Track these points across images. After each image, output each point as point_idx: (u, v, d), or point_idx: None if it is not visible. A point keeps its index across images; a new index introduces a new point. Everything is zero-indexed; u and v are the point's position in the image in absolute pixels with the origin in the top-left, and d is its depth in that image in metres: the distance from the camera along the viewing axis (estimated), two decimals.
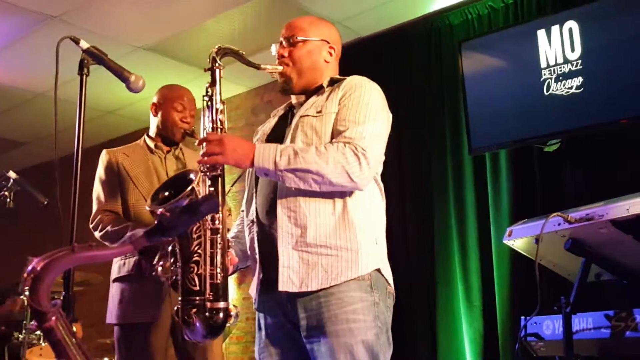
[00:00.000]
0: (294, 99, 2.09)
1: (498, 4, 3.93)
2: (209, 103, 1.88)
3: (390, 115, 2.01)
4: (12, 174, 3.27)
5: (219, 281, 1.75)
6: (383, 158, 1.97)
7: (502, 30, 3.78)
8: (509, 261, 3.56)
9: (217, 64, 1.90)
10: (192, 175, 1.70)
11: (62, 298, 1.78)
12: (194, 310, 1.72)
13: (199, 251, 1.74)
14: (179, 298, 1.75)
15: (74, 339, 1.02)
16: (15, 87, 5.36)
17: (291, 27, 2.05)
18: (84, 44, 1.95)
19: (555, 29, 3.39)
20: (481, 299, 3.74)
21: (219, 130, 1.87)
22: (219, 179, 1.80)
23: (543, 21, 3.48)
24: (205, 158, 1.78)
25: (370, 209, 1.90)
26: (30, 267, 1.01)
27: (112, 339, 4.51)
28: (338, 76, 2.06)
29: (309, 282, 1.79)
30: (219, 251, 1.76)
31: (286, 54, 2.01)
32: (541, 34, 3.44)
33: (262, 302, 1.93)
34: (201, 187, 1.78)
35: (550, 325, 2.48)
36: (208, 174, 1.80)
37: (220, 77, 1.90)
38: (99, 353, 4.65)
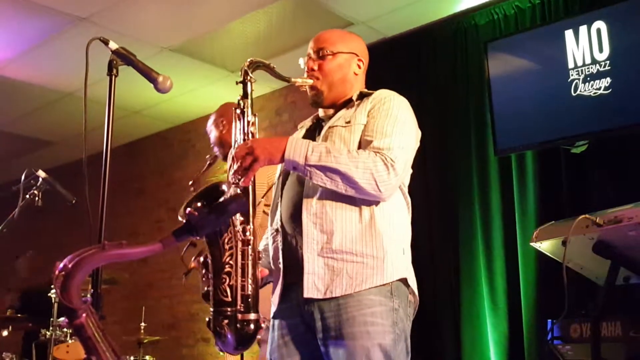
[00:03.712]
0: (321, 112, 2.09)
1: (525, 4, 3.89)
2: (241, 115, 1.88)
3: (419, 132, 2.01)
4: (41, 173, 3.32)
5: (249, 293, 1.73)
6: (410, 171, 1.98)
7: (529, 31, 3.74)
8: (534, 263, 3.52)
9: (249, 77, 1.89)
10: (224, 187, 1.72)
11: (90, 295, 1.79)
12: (226, 321, 1.72)
13: (231, 262, 1.73)
14: (211, 309, 1.76)
15: (103, 336, 1.03)
16: (43, 87, 5.43)
17: (320, 40, 2.05)
18: (113, 45, 1.96)
19: (583, 29, 3.35)
20: (506, 301, 3.70)
21: None
22: (249, 189, 1.79)
23: (571, 21, 3.44)
24: (241, 176, 1.75)
25: (396, 221, 1.89)
26: (61, 265, 1.02)
27: (138, 337, 4.58)
28: (367, 90, 2.05)
29: (333, 289, 1.79)
30: (250, 262, 1.74)
31: (316, 67, 2.01)
32: (569, 34, 3.40)
33: (280, 309, 1.92)
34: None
35: (577, 329, 2.45)
36: (239, 184, 1.78)
37: (252, 90, 1.90)
38: (124, 351, 4.69)
